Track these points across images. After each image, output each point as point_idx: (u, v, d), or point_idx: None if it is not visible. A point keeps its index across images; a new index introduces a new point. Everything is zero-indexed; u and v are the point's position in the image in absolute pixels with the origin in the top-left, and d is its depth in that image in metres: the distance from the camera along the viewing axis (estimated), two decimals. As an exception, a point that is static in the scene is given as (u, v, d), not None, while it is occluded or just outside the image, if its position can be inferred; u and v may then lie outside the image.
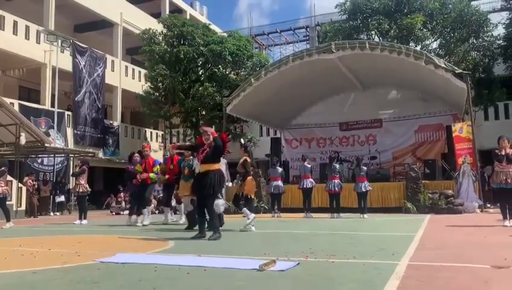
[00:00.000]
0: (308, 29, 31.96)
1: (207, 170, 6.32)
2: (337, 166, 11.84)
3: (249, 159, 8.19)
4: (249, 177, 8.13)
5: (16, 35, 19.25)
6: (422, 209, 12.54)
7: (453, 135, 13.91)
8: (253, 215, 7.80)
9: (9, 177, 14.62)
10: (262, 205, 14.16)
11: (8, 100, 16.48)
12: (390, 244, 5.60)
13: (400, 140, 18.06)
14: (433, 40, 20.79)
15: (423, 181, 13.36)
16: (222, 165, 7.07)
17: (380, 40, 20.27)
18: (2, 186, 9.83)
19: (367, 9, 19.95)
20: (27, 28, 19.86)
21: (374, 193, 13.12)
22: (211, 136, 6.41)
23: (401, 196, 13.40)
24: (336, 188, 11.37)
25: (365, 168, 12.02)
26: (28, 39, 19.81)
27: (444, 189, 12.97)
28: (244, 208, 7.73)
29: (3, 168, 9.92)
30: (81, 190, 10.72)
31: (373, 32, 20.53)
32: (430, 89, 16.24)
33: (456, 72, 13.22)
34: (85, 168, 10.87)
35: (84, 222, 10.63)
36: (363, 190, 11.30)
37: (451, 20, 19.36)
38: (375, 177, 13.99)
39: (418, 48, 19.71)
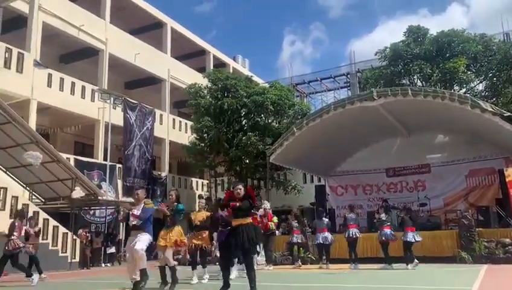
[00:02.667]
0: (348, 76, 32.28)
1: (240, 223, 6.39)
2: (383, 215, 11.56)
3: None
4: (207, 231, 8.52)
5: (73, 95, 20.70)
6: (478, 259, 11.88)
7: (507, 180, 13.32)
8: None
9: (64, 230, 15.37)
10: (309, 255, 13.93)
11: (64, 155, 17.51)
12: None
13: (451, 185, 17.42)
14: (478, 82, 20.46)
15: (477, 229, 12.73)
16: None
17: (422, 84, 20.21)
18: (14, 240, 9.38)
19: (408, 55, 20.04)
20: (83, 88, 21.33)
21: (425, 242, 12.58)
22: (243, 190, 6.51)
23: (454, 244, 12.78)
24: (389, 238, 11.08)
25: (411, 218, 11.66)
26: (84, 98, 21.23)
27: (501, 237, 12.28)
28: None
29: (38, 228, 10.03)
30: None
31: (415, 77, 20.50)
32: (478, 132, 15.79)
33: (505, 115, 12.85)
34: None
35: None
36: (411, 240, 10.94)
37: (496, 62, 19.08)
38: (426, 225, 13.50)
39: (463, 91, 19.45)
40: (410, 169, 18.39)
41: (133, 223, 6.72)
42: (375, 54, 21.76)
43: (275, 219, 12.22)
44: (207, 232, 8.48)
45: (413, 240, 10.92)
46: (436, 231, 13.58)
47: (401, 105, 14.84)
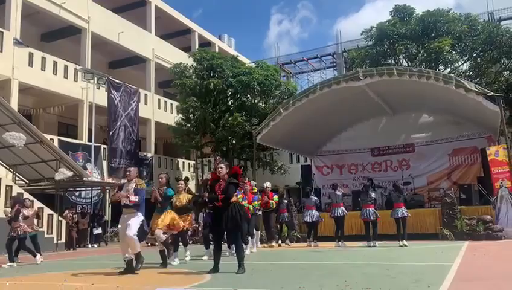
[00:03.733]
0: (335, 56, 32.21)
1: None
2: (373, 194, 11.77)
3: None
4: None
5: (56, 74, 20.29)
6: (459, 236, 12.21)
7: (489, 159, 13.58)
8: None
9: (49, 211, 15.27)
10: (295, 234, 14.13)
11: (48, 136, 17.27)
12: (427, 275, 5.54)
13: (434, 164, 17.73)
14: (463, 62, 20.61)
15: (459, 207, 13.04)
16: None
17: (408, 64, 20.27)
18: (20, 226, 9.83)
19: (393, 35, 20.01)
20: (65, 67, 20.92)
21: (409, 219, 12.85)
22: (225, 169, 6.55)
23: (437, 222, 13.10)
24: (371, 216, 11.27)
25: (403, 194, 11.89)
26: (67, 78, 20.84)
27: (482, 214, 12.60)
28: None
29: (17, 207, 10.02)
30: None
31: (401, 56, 20.54)
32: (462, 111, 16.01)
33: (488, 94, 13.02)
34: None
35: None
36: (400, 215, 11.14)
37: (480, 42, 19.20)
38: (410, 204, 13.73)
39: (448, 70, 19.58)
40: (395, 148, 18.64)
41: (125, 202, 6.70)
42: (361, 34, 21.71)
43: (275, 197, 12.28)
44: (190, 214, 8.51)
45: (400, 216, 11.10)
46: (419, 209, 13.88)
47: (387, 85, 14.92)
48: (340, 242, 11.65)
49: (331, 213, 12.17)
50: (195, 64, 23.30)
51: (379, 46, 20.78)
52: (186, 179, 8.89)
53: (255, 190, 11.07)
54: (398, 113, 18.12)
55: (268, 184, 12.41)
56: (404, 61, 20.78)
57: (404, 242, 10.83)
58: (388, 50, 20.55)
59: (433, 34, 19.72)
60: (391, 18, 20.96)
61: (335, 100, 16.03)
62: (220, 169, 6.51)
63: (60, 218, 15.65)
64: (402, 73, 14.09)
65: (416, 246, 10.71)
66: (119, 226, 7.10)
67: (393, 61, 20.83)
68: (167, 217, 7.68)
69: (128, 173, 7.03)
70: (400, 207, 11.23)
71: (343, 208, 12.10)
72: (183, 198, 8.28)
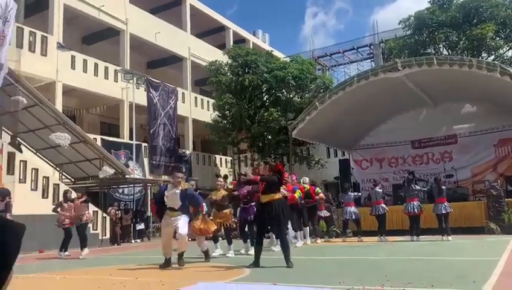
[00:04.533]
0: (371, 46, 31.57)
1: (270, 200, 6.47)
2: (417, 187, 11.52)
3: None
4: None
5: (97, 76, 20.97)
6: (507, 230, 11.74)
7: (538, 149, 12.96)
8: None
9: (94, 208, 15.83)
10: (334, 229, 14.02)
11: (91, 136, 17.90)
12: (471, 271, 5.37)
13: (479, 156, 17.07)
14: (508, 48, 19.72)
15: (506, 199, 12.52)
16: None
17: (448, 53, 19.62)
18: (87, 213, 10.49)
19: (433, 23, 19.40)
20: (106, 68, 21.58)
21: (453, 213, 12.45)
22: (262, 166, 6.63)
23: (482, 215, 12.65)
24: (416, 210, 11.02)
25: (444, 187, 11.57)
26: (107, 79, 21.49)
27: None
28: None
29: (85, 196, 10.64)
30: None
31: (441, 45, 19.91)
32: (508, 100, 15.30)
33: (536, 81, 12.41)
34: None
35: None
36: (443, 211, 10.84)
37: (526, 27, 18.33)
38: (453, 197, 13.34)
39: (491, 58, 18.81)
40: (437, 140, 18.08)
41: (171, 205, 6.89)
42: (399, 23, 21.20)
43: (318, 189, 12.19)
44: (228, 209, 8.65)
45: (443, 212, 10.82)
46: (463, 202, 13.44)
47: (427, 75, 14.49)
48: (382, 237, 11.46)
49: (371, 211, 11.97)
50: (230, 61, 23.47)
51: (418, 35, 20.22)
52: (226, 177, 8.99)
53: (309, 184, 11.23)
54: (439, 104, 17.55)
55: (306, 179, 12.30)
56: (444, 50, 20.14)
57: (449, 237, 10.53)
58: (427, 39, 19.97)
59: (475, 21, 18.98)
60: (430, 6, 20.35)
61: (373, 92, 15.71)
62: (259, 167, 6.62)
63: (104, 214, 16.20)
64: (442, 62, 13.65)
65: (461, 240, 10.39)
66: (163, 226, 7.28)
67: (432, 51, 20.24)
68: (198, 223, 7.81)
69: (175, 179, 7.14)
70: (442, 202, 10.92)
71: (384, 205, 11.91)
72: (220, 194, 8.41)
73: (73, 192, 11.90)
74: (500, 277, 4.70)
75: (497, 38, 18.93)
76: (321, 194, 12.10)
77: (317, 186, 12.50)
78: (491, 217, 12.23)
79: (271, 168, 6.69)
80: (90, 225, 15.12)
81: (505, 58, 19.43)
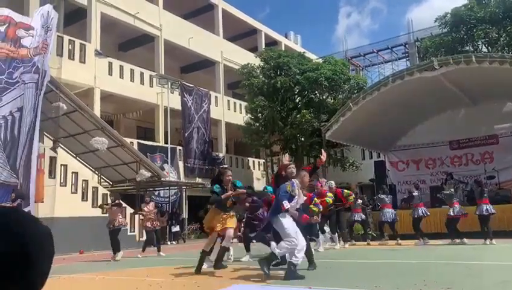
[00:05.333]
0: (407, 45, 30.90)
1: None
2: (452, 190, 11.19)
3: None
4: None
5: (133, 81, 21.51)
6: (554, 234, 11.19)
7: None
8: None
9: (131, 210, 16.22)
10: (370, 232, 13.76)
11: (128, 140, 18.36)
12: (516, 276, 5.15)
13: (522, 156, 16.39)
14: (552, 43, 18.87)
15: (552, 201, 11.94)
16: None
17: (488, 50, 18.96)
18: (120, 218, 10.55)
19: (471, 20, 18.80)
20: (141, 74, 22.10)
21: (495, 215, 11.97)
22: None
23: (526, 218, 12.12)
24: (489, 211, 10.67)
25: (486, 189, 11.16)
26: (143, 84, 22.00)
27: None
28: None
29: (117, 201, 10.83)
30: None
31: (479, 42, 19.26)
32: (552, 98, 14.65)
33: None
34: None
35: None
36: (485, 213, 10.46)
37: None
38: (495, 199, 12.83)
39: (534, 54, 18.03)
40: (476, 140, 17.47)
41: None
42: (435, 21, 20.65)
43: (346, 191, 11.66)
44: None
45: (486, 213, 10.45)
46: (506, 205, 12.91)
47: (465, 73, 14.04)
48: (421, 240, 11.16)
49: (414, 214, 11.68)
50: (262, 64, 23.53)
51: (455, 32, 19.65)
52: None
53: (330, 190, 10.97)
54: (478, 103, 16.95)
55: (332, 184, 11.92)
56: (483, 47, 19.47)
57: (493, 241, 10.14)
58: (465, 36, 19.37)
59: (516, 16, 18.27)
60: (467, 2, 19.71)
61: (408, 92, 15.35)
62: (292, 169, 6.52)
63: (142, 217, 16.54)
64: (481, 60, 13.19)
65: (503, 244, 9.99)
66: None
67: (471, 48, 19.60)
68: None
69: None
70: (486, 203, 10.54)
71: (424, 209, 11.62)
72: None
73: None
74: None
75: (540, 34, 18.17)
76: (351, 196, 11.62)
77: (344, 189, 12.03)
78: (536, 221, 11.69)
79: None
80: (126, 228, 15.55)
81: (549, 54, 18.58)
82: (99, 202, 14.84)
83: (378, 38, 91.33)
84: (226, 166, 8.21)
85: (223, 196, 6.42)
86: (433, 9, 68.18)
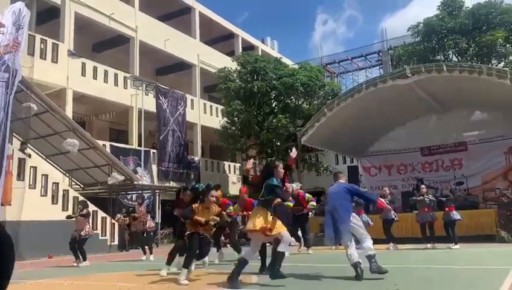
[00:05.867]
0: (380, 53, 31.52)
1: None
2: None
3: None
4: None
5: (107, 83, 21.15)
6: (518, 238, 11.57)
7: (549, 156, 12.80)
8: None
9: (103, 214, 15.93)
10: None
11: (100, 142, 18.02)
12: (482, 280, 5.30)
13: (489, 163, 16.90)
14: (518, 55, 19.58)
15: (518, 207, 12.35)
16: None
17: (458, 59, 19.53)
18: (87, 228, 10.26)
19: (442, 30, 19.35)
20: (116, 75, 21.75)
21: (464, 221, 12.32)
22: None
23: (493, 223, 12.48)
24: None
25: (452, 196, 11.48)
26: (117, 85, 21.66)
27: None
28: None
29: (85, 211, 10.40)
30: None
31: (450, 52, 19.83)
32: (518, 107, 15.18)
33: (547, 88, 12.29)
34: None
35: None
36: (454, 218, 10.77)
37: (537, 33, 18.18)
38: (463, 205, 13.20)
39: (502, 64, 18.68)
40: (446, 147, 17.96)
41: None
42: (408, 30, 21.17)
43: (308, 196, 11.39)
44: None
45: (455, 218, 10.77)
46: (474, 210, 13.29)
47: (436, 82, 14.42)
48: (392, 244, 11.36)
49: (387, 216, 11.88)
50: (239, 68, 23.56)
51: (427, 42, 20.16)
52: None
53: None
54: (448, 111, 17.44)
55: (295, 185, 11.81)
56: (454, 56, 20.05)
57: (456, 246, 10.44)
58: (436, 46, 19.91)
59: (484, 27, 18.89)
60: (439, 13, 20.28)
61: (381, 99, 15.66)
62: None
63: (113, 221, 16.26)
64: (452, 69, 13.60)
65: (471, 249, 10.26)
66: None
67: (442, 57, 20.15)
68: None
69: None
70: (453, 210, 10.86)
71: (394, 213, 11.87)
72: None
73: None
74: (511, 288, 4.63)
75: (507, 45, 18.81)
76: (313, 202, 11.32)
77: (306, 193, 11.68)
78: (502, 225, 12.06)
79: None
80: (98, 232, 15.25)
81: (516, 64, 19.29)
82: (70, 205, 14.52)
83: (353, 46, 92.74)
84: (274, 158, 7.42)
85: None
86: (407, 18, 69.82)
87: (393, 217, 11.77)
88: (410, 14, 66.41)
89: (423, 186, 11.73)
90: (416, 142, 18.34)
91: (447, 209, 10.91)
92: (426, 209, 11.15)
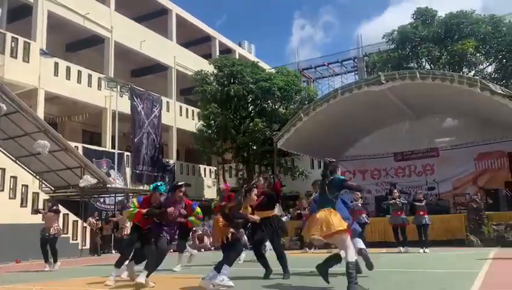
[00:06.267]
0: (356, 60, 31.97)
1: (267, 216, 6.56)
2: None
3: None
4: None
5: (80, 83, 20.75)
6: (487, 242, 11.87)
7: (517, 163, 13.21)
8: None
9: (74, 217, 15.56)
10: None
11: (72, 144, 17.65)
12: (452, 283, 5.40)
13: (459, 169, 17.34)
14: (488, 64, 20.19)
15: (486, 212, 12.70)
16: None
17: (431, 67, 19.98)
18: (56, 226, 9.88)
19: (415, 38, 19.78)
20: (89, 76, 21.38)
21: (434, 225, 12.59)
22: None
23: (463, 227, 12.80)
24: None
25: (424, 200, 11.70)
26: (91, 86, 21.28)
27: (510, 220, 12.24)
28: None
29: (55, 207, 10.13)
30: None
31: (423, 60, 20.28)
32: (488, 115, 15.64)
33: (515, 97, 12.69)
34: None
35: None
36: (423, 223, 10.98)
37: (506, 43, 18.79)
38: (434, 209, 13.49)
39: (472, 73, 19.22)
40: (419, 153, 18.31)
41: None
42: (383, 37, 21.53)
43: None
44: None
45: (423, 223, 10.99)
46: (445, 215, 13.59)
47: (409, 89, 14.71)
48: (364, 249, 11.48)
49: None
50: (216, 71, 23.50)
51: (401, 49, 20.56)
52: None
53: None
54: (421, 117, 17.81)
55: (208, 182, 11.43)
56: (427, 64, 20.51)
57: (426, 250, 10.66)
58: (410, 53, 20.32)
59: (456, 36, 19.40)
60: (413, 21, 20.73)
61: (356, 105, 15.87)
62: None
63: (85, 224, 15.92)
64: (425, 76, 13.89)
65: (442, 252, 10.47)
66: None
67: (415, 65, 20.57)
68: None
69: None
70: (425, 215, 11.09)
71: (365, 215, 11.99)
72: None
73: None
74: (481, 289, 4.73)
75: (478, 54, 19.37)
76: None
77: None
78: (472, 230, 12.37)
79: (270, 186, 6.74)
80: (68, 236, 14.88)
81: (485, 73, 19.88)
82: (40, 208, 14.10)
83: (330, 51, 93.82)
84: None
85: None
86: (384, 25, 71.11)
87: (365, 220, 11.88)
88: (386, 21, 67.82)
89: (395, 190, 11.92)
90: (389, 147, 18.64)
91: (421, 213, 11.11)
92: (399, 213, 11.35)
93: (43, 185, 17.08)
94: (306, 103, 21.90)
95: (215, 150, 23.51)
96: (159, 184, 6.51)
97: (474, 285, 4.98)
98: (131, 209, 6.37)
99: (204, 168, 28.22)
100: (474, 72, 19.55)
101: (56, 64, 19.65)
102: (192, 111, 27.32)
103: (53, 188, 17.24)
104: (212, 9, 77.98)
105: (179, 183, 6.64)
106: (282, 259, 6.58)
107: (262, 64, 27.96)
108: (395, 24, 40.83)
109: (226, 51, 31.45)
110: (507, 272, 6.50)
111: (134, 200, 6.86)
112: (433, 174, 17.44)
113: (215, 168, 27.11)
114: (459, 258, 9.09)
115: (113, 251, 17.61)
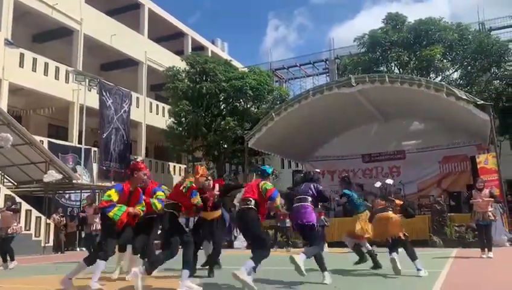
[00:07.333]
0: (327, 62, 32.35)
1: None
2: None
3: None
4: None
5: (47, 76, 20.14)
6: (449, 243, 12.25)
7: (478, 167, 13.67)
8: None
9: (37, 213, 15.09)
10: (284, 239, 14.09)
11: (37, 138, 17.11)
12: (414, 284, 5.52)
13: (425, 171, 17.82)
14: (453, 70, 20.79)
15: (449, 214, 13.09)
16: None
17: (400, 71, 20.41)
18: (14, 225, 9.56)
19: (386, 42, 20.16)
20: (57, 68, 20.78)
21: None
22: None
23: (426, 228, 13.14)
24: None
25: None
26: (58, 79, 20.69)
27: (471, 222, 12.64)
28: None
29: (13, 206, 9.79)
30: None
31: (392, 64, 20.68)
32: (453, 119, 16.13)
33: (478, 103, 13.13)
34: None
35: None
36: None
37: (471, 51, 19.39)
38: (400, 211, 13.76)
39: (439, 78, 19.75)
40: (386, 155, 18.71)
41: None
42: (354, 41, 21.82)
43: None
44: None
45: None
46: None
47: (379, 92, 14.99)
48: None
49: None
50: (188, 68, 23.27)
51: (371, 53, 20.90)
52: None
53: None
54: (389, 120, 18.21)
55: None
56: (396, 68, 20.92)
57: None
58: (380, 57, 20.68)
59: (424, 42, 19.89)
60: (383, 26, 21.12)
61: (327, 106, 16.07)
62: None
63: (48, 221, 15.46)
64: (394, 80, 14.19)
65: (404, 252, 10.67)
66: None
67: (385, 69, 20.96)
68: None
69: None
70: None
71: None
72: None
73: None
74: (442, 289, 4.86)
75: (445, 60, 19.90)
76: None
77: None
78: (435, 231, 12.72)
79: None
80: (31, 233, 14.43)
81: (451, 79, 20.45)
82: (1, 203, 13.60)
83: (302, 53, 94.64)
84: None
85: None
86: (355, 29, 72.26)
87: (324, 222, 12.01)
88: (358, 25, 68.88)
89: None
90: (358, 149, 18.97)
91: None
92: None
93: (5, 180, 16.49)
94: (278, 103, 22.00)
95: (185, 148, 23.28)
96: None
97: (436, 284, 5.12)
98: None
99: (174, 166, 27.93)
100: (441, 77, 20.08)
101: (22, 55, 19.02)
102: (163, 108, 26.97)
103: (16, 183, 16.68)
104: (186, 5, 77.43)
105: None
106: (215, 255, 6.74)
107: (235, 62, 27.86)
108: (367, 28, 41.54)
109: (198, 48, 31.21)
110: (467, 272, 6.71)
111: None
112: (399, 176, 17.82)
113: (185, 166, 26.86)
114: (421, 258, 9.29)
115: (78, 249, 17.20)
